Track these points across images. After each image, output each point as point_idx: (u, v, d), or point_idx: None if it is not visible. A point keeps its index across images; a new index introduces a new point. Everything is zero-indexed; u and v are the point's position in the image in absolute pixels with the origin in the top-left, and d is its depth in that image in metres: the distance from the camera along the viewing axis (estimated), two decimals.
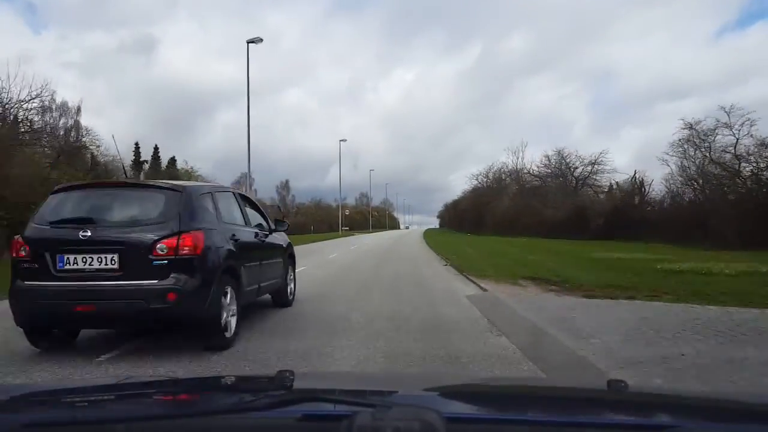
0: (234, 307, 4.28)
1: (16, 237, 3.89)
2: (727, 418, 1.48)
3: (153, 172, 32.09)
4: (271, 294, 5.92)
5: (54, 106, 31.43)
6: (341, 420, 1.03)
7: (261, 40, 26.94)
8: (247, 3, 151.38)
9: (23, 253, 3.77)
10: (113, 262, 3.74)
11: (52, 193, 4.14)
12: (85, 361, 4.52)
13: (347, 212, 66.32)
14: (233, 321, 4.26)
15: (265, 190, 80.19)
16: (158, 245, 3.71)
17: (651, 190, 34.14)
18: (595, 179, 44.69)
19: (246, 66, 24.46)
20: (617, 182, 36.16)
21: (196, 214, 4.01)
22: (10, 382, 3.97)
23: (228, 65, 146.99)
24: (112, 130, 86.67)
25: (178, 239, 3.75)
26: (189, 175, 35.58)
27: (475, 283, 9.69)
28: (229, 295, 4.19)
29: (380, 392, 1.79)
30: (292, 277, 6.52)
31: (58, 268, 3.70)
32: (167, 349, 4.49)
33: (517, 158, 58.59)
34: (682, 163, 28.75)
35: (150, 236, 3.72)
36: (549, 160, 48.83)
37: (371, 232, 79.81)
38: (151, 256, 3.70)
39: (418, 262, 15.80)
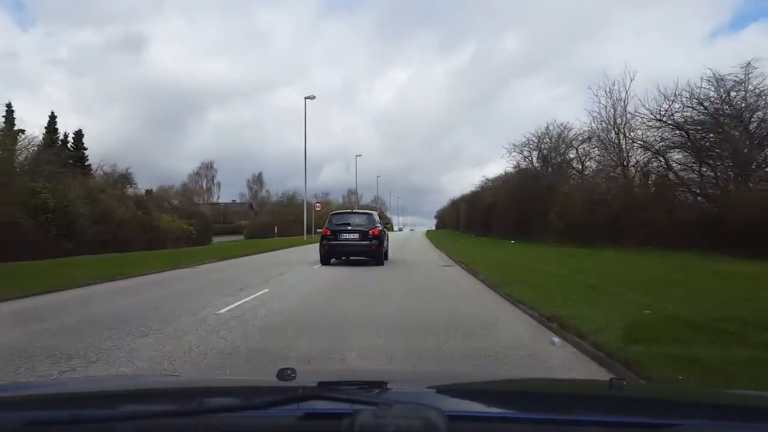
0: (383, 254, 18.39)
1: (323, 228, 18.60)
2: (727, 416, 1.48)
3: (45, 145, 29.88)
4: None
5: None
6: (343, 418, 1.06)
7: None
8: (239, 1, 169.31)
9: (328, 232, 17.87)
10: (357, 236, 17.70)
11: (332, 214, 19.59)
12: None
13: (318, 208, 54.95)
14: (384, 259, 18.38)
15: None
16: (369, 232, 17.72)
17: None
18: None
19: None
20: None
21: (375, 221, 18.58)
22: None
23: (219, 63, 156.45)
24: (101, 128, 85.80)
25: (374, 230, 18.00)
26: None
27: None
28: (384, 249, 18.57)
29: (382, 390, 1.79)
30: (388, 246, 19.83)
31: (340, 238, 17.64)
32: (363, 265, 17.51)
33: (617, 102, 32.50)
34: None
35: (367, 229, 17.91)
36: (689, 95, 25.41)
37: None
38: (368, 235, 17.62)
39: None
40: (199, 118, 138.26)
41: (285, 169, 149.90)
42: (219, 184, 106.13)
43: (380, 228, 18.83)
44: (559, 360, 6.05)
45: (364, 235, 18.15)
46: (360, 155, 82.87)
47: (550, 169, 40.22)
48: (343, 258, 18.64)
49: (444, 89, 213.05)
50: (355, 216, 19.51)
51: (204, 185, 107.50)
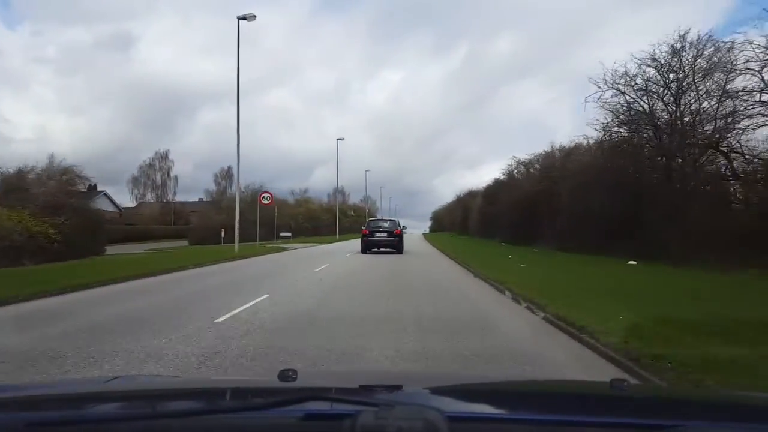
0: (402, 247, 33.86)
1: (364, 227, 35.93)
2: (727, 417, 1.48)
3: None
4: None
5: None
6: (344, 419, 1.09)
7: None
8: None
9: (367, 232, 33.89)
10: (386, 234, 33.75)
11: (369, 220, 39.93)
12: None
13: (266, 201, 42.58)
14: (403, 250, 34.38)
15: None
16: (393, 231, 34.43)
17: None
18: None
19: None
20: None
21: (397, 225, 36.22)
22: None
23: (211, 63, 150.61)
24: (92, 128, 79.50)
25: (396, 230, 34.39)
26: None
27: None
28: (403, 243, 35.19)
29: (383, 391, 1.78)
30: (403, 242, 38.98)
31: (375, 236, 34.09)
32: (388, 254, 33.00)
33: None
34: None
35: (391, 230, 34.41)
36: None
37: (331, 240, 56.34)
38: (393, 234, 33.90)
39: None
40: (190, 118, 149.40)
41: (275, 170, 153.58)
42: (176, 178, 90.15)
43: (400, 229, 34.87)
44: None
45: (390, 233, 32.68)
46: (342, 139, 73.16)
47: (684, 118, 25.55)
48: (374, 250, 33.34)
49: (437, 91, 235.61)
50: (384, 222, 36.05)
51: (158, 179, 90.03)
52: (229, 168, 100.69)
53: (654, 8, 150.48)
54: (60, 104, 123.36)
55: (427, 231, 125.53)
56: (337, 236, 66.74)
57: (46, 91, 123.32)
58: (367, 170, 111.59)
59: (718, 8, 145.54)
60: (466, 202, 79.83)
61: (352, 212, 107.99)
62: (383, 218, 40.39)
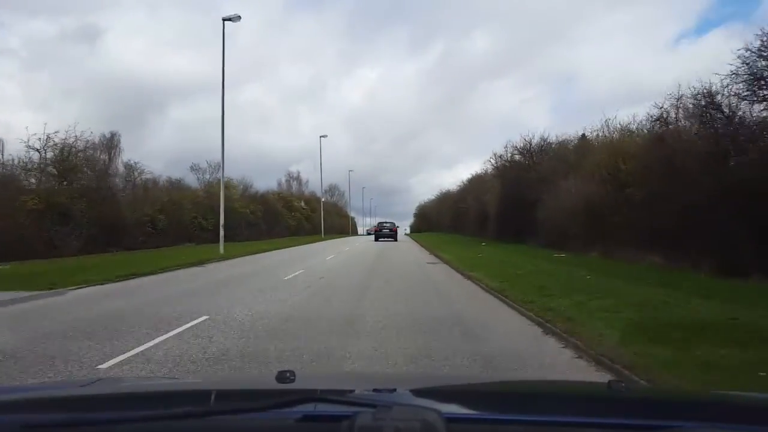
0: (397, 237, 68.78)
1: (375, 225, 76.97)
2: (726, 418, 1.51)
3: None
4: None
5: None
6: (342, 420, 1.12)
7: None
8: None
9: (377, 229, 68.59)
10: (388, 230, 66.17)
11: (378, 222, 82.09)
12: None
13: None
14: (397, 239, 69.12)
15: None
16: (392, 229, 68.02)
17: None
18: None
19: None
20: None
21: (395, 224, 78.07)
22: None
23: (182, 58, 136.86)
24: (59, 125, 78.62)
25: (394, 228, 69.18)
26: None
27: None
28: (397, 235, 70.90)
29: (380, 392, 1.81)
30: (398, 234, 79.16)
31: (382, 231, 67.03)
32: (389, 242, 63.09)
33: None
34: None
35: (391, 227, 68.10)
36: None
37: (180, 263, 23.21)
38: (392, 230, 67.51)
39: None
40: (160, 114, 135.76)
41: (248, 168, 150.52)
42: (2, 144, 51.47)
43: (396, 227, 68.57)
44: None
45: (390, 230, 63.05)
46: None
47: None
48: (380, 240, 60.93)
49: (413, 89, 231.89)
50: (387, 222, 68.07)
51: None
52: (113, 135, 57.16)
53: (628, 7, 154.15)
54: (25, 98, 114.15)
55: (408, 231, 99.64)
56: (221, 249, 29.26)
57: (8, 84, 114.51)
58: (322, 135, 72.41)
59: (692, 8, 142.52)
60: (505, 175, 40.05)
61: (302, 204, 75.54)
62: (386, 221, 68.73)
